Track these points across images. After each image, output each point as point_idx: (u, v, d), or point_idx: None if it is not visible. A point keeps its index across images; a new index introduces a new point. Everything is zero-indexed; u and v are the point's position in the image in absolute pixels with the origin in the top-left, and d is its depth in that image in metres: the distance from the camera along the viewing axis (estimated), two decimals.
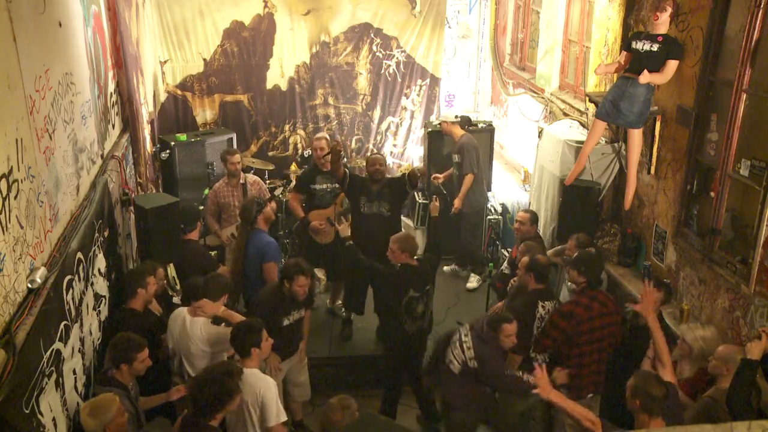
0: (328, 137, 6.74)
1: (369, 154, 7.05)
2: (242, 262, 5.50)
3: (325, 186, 6.47)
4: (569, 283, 5.10)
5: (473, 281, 7.36)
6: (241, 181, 6.70)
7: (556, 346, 4.65)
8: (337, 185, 6.30)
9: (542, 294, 4.92)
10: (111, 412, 3.35)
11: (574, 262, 4.74)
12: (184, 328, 4.37)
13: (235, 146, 7.85)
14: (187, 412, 3.61)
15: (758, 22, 4.11)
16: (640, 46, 4.91)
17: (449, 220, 7.16)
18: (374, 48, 8.65)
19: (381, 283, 5.51)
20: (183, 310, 4.48)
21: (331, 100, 8.80)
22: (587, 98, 5.96)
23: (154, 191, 6.95)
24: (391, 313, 5.33)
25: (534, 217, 5.96)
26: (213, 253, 6.55)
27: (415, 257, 5.32)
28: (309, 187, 6.46)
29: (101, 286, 4.52)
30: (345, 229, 6.70)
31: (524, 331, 4.70)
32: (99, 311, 4.41)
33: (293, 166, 8.27)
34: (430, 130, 7.98)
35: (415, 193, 8.48)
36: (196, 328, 4.34)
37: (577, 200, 5.65)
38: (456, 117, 7.29)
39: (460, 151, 7.05)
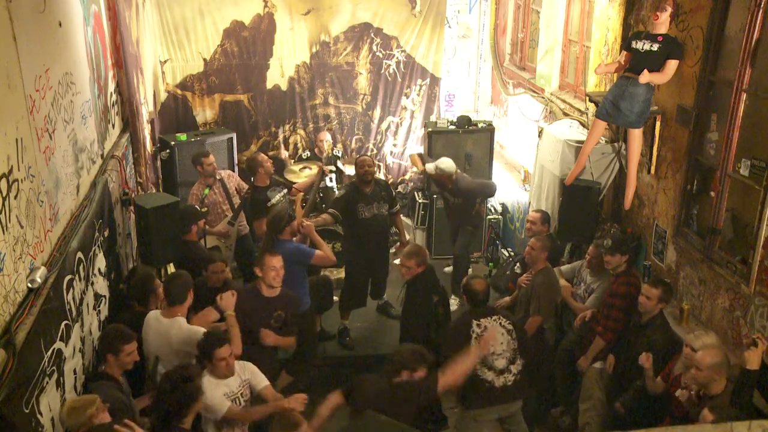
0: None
1: (357, 155, 6.89)
2: None
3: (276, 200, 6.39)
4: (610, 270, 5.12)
5: (454, 303, 6.62)
6: (218, 177, 6.70)
7: (619, 328, 4.89)
8: (285, 191, 6.44)
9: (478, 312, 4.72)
10: (83, 416, 3.21)
11: (612, 249, 4.98)
12: (160, 331, 4.25)
13: (235, 146, 7.85)
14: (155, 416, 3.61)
15: (758, 22, 4.11)
16: (640, 45, 4.91)
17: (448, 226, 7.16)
18: (374, 48, 8.64)
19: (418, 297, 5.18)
20: (154, 313, 4.39)
21: (331, 100, 8.79)
22: (587, 98, 5.95)
23: (154, 191, 6.95)
24: (420, 324, 5.11)
25: (545, 217, 5.94)
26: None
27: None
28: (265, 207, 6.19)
29: (101, 285, 4.52)
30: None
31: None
32: (99, 311, 4.41)
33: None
34: (430, 130, 7.98)
35: (415, 193, 8.48)
36: (175, 329, 4.24)
37: (577, 200, 5.64)
38: (457, 171, 6.65)
39: (463, 195, 6.69)
